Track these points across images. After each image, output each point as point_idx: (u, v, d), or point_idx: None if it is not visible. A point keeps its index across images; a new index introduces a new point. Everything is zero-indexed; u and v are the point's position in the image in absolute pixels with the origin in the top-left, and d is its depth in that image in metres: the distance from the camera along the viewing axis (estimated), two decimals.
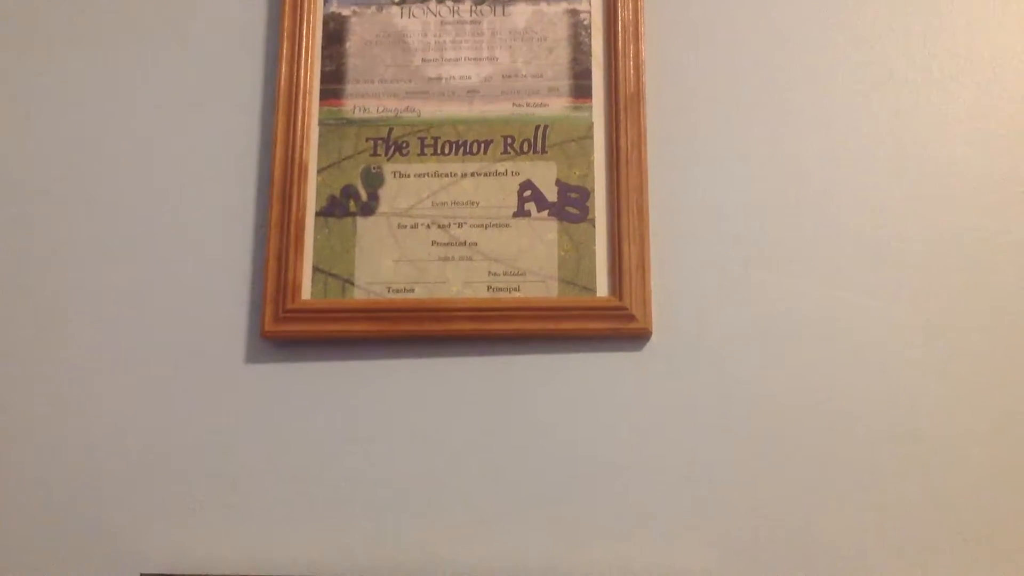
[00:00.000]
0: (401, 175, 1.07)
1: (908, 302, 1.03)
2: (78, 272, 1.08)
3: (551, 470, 1.00)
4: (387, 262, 1.05)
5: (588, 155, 1.07)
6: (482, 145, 1.08)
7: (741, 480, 0.99)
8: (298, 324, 1.03)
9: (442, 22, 1.11)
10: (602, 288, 1.03)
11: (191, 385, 1.04)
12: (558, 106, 1.08)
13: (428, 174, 1.07)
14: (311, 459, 1.02)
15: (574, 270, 1.04)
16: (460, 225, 1.06)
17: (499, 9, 1.11)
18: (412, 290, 1.04)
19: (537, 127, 1.08)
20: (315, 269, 1.05)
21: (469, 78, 1.10)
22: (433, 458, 1.01)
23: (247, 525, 1.01)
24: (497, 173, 1.07)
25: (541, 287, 1.04)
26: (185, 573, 0.99)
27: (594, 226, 1.05)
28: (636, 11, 1.09)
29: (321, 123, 1.09)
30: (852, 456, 0.99)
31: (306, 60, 1.10)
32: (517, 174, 1.07)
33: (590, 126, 1.07)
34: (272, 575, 0.99)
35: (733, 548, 0.98)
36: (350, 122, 1.09)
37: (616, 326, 1.01)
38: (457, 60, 1.10)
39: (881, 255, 1.04)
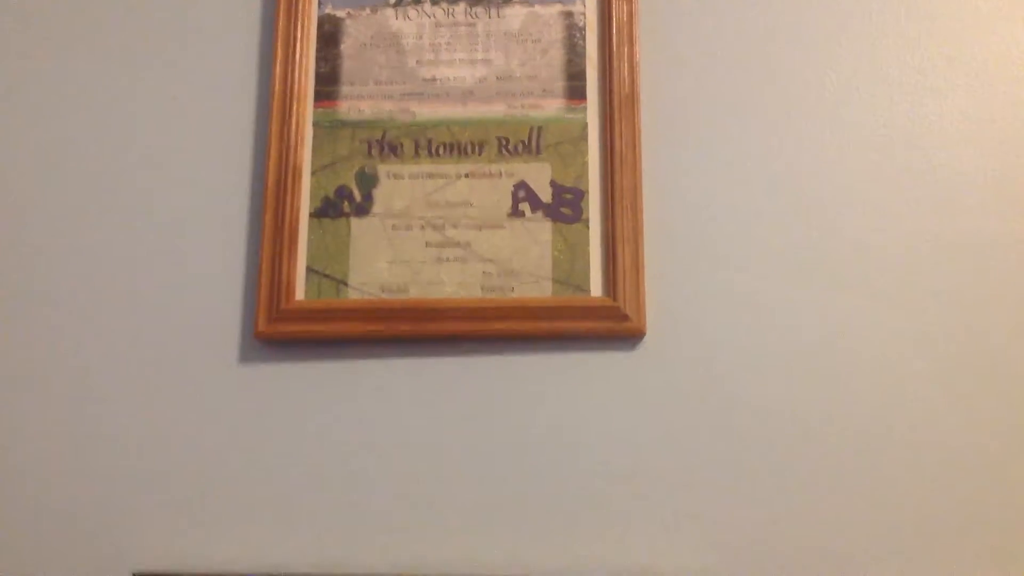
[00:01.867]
0: (395, 176, 1.07)
1: (902, 303, 1.02)
2: (72, 273, 1.08)
3: (545, 469, 1.00)
4: (381, 263, 1.05)
5: (582, 156, 1.07)
6: (476, 146, 1.08)
7: (734, 480, 0.99)
8: (292, 324, 1.03)
9: (437, 24, 1.12)
10: (596, 288, 1.03)
11: (184, 385, 1.04)
12: (552, 107, 1.09)
13: (422, 175, 1.07)
14: (304, 459, 1.02)
15: (568, 271, 1.04)
16: (454, 226, 1.06)
17: (494, 11, 1.12)
18: (406, 291, 1.04)
19: (531, 128, 1.08)
20: (309, 270, 1.05)
21: (464, 80, 1.10)
22: (427, 458, 1.01)
23: (239, 525, 1.00)
24: (491, 174, 1.07)
25: (535, 288, 1.03)
26: (177, 572, 0.98)
27: (588, 227, 1.05)
28: (630, 13, 1.09)
29: (315, 125, 1.09)
30: (846, 456, 0.99)
31: (300, 62, 1.10)
32: (511, 175, 1.07)
33: (584, 127, 1.08)
34: (265, 575, 0.99)
35: (726, 548, 0.97)
36: (344, 123, 1.09)
37: (610, 326, 1.01)
38: (452, 62, 1.10)
39: (875, 258, 1.04)
